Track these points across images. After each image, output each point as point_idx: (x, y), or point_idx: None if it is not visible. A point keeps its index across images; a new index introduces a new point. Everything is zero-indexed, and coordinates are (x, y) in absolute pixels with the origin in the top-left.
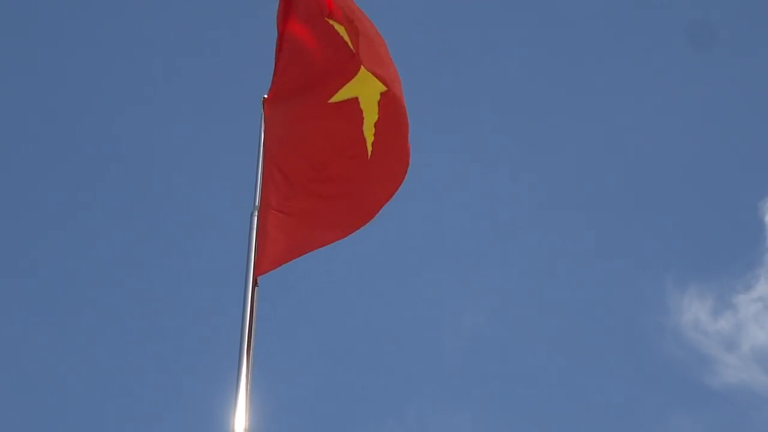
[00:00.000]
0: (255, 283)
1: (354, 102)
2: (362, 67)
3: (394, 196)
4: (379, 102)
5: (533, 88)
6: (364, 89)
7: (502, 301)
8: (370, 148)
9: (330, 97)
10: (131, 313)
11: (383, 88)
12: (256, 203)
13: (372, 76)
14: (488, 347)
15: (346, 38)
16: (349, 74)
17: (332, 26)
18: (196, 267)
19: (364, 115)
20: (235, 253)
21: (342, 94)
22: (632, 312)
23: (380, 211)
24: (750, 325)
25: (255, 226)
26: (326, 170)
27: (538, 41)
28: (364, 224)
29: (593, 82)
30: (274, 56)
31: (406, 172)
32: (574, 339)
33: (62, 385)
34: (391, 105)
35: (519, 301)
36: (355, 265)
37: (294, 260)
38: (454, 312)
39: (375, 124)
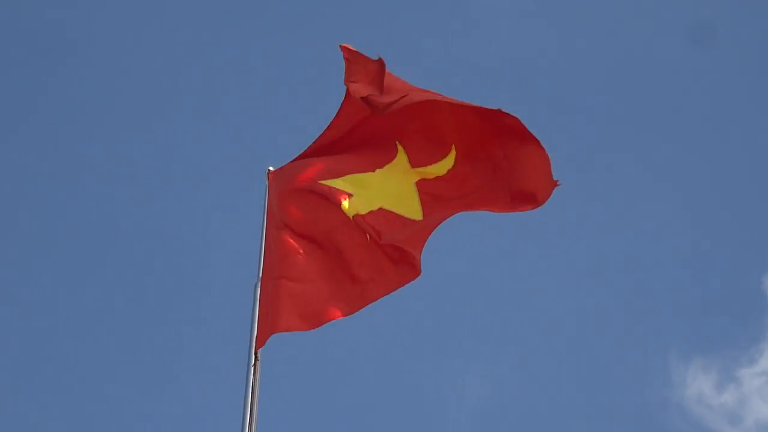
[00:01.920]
0: (256, 358)
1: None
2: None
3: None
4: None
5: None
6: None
7: (507, 374)
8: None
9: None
10: (132, 383)
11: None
12: (260, 275)
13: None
14: (492, 420)
15: None
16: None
17: None
18: (198, 339)
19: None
20: (238, 325)
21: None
22: (636, 385)
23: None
24: (754, 398)
25: (257, 298)
26: (322, 249)
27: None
28: (368, 304)
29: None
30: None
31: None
32: (579, 412)
33: None
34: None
35: (523, 374)
36: (359, 335)
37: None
38: (459, 384)
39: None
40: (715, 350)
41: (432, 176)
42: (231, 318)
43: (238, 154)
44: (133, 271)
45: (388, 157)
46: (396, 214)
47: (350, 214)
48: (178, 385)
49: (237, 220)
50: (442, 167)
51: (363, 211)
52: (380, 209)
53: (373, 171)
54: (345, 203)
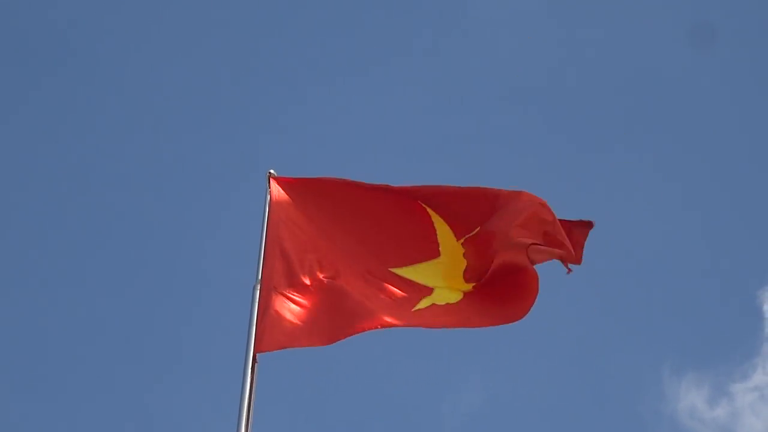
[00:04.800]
0: (255, 359)
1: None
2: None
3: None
4: (459, 302)
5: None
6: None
7: (501, 384)
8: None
9: (394, 267)
10: (129, 381)
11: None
12: (259, 277)
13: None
14: (485, 428)
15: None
16: (427, 256)
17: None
18: (196, 340)
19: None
20: (236, 326)
21: (411, 274)
22: (629, 398)
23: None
24: (746, 414)
25: (257, 299)
26: (339, 278)
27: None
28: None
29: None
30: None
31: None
32: (572, 425)
33: None
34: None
35: (517, 384)
36: (355, 341)
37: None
38: (454, 392)
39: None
40: (709, 365)
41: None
42: (231, 319)
43: (239, 156)
44: (132, 271)
45: (427, 221)
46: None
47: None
48: (175, 385)
49: (238, 221)
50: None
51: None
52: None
53: (438, 256)
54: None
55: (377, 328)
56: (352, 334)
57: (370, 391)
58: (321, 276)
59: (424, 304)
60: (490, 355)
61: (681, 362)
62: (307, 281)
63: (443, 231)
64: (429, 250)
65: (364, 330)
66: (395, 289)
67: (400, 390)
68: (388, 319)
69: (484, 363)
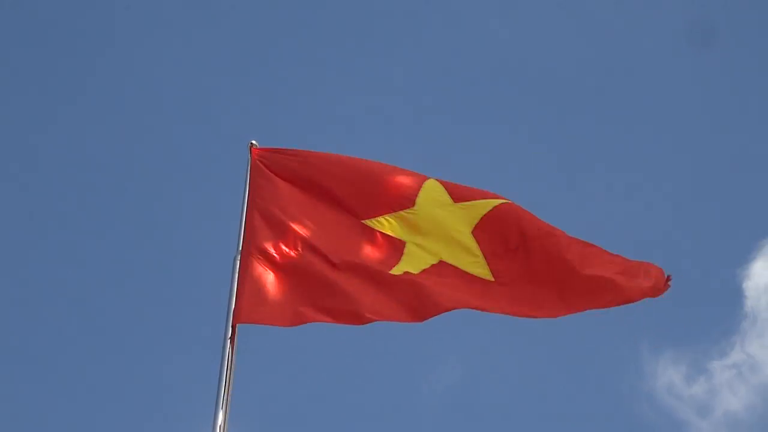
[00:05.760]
0: (234, 331)
1: (398, 243)
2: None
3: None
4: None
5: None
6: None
7: (478, 360)
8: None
9: (366, 219)
10: (110, 357)
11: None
12: (239, 248)
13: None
14: (462, 405)
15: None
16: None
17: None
18: (176, 312)
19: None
20: (217, 298)
21: (387, 227)
22: (607, 375)
23: None
24: (724, 391)
25: (237, 271)
26: (345, 266)
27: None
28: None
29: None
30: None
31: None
32: (550, 402)
33: None
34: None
35: (494, 361)
36: None
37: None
38: (432, 369)
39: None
40: (687, 342)
41: (479, 216)
42: (212, 291)
43: (220, 127)
44: (112, 244)
45: (417, 183)
46: (461, 270)
47: (396, 273)
48: (155, 359)
49: (219, 193)
50: (486, 204)
51: (415, 270)
52: (441, 262)
53: (413, 206)
54: (398, 265)
55: (363, 323)
56: (337, 322)
57: (348, 367)
58: (302, 251)
59: (398, 269)
60: (467, 332)
61: (659, 339)
62: (290, 253)
63: (431, 191)
64: (402, 203)
65: (347, 323)
66: (370, 253)
67: (378, 366)
68: (371, 313)
69: (462, 340)
